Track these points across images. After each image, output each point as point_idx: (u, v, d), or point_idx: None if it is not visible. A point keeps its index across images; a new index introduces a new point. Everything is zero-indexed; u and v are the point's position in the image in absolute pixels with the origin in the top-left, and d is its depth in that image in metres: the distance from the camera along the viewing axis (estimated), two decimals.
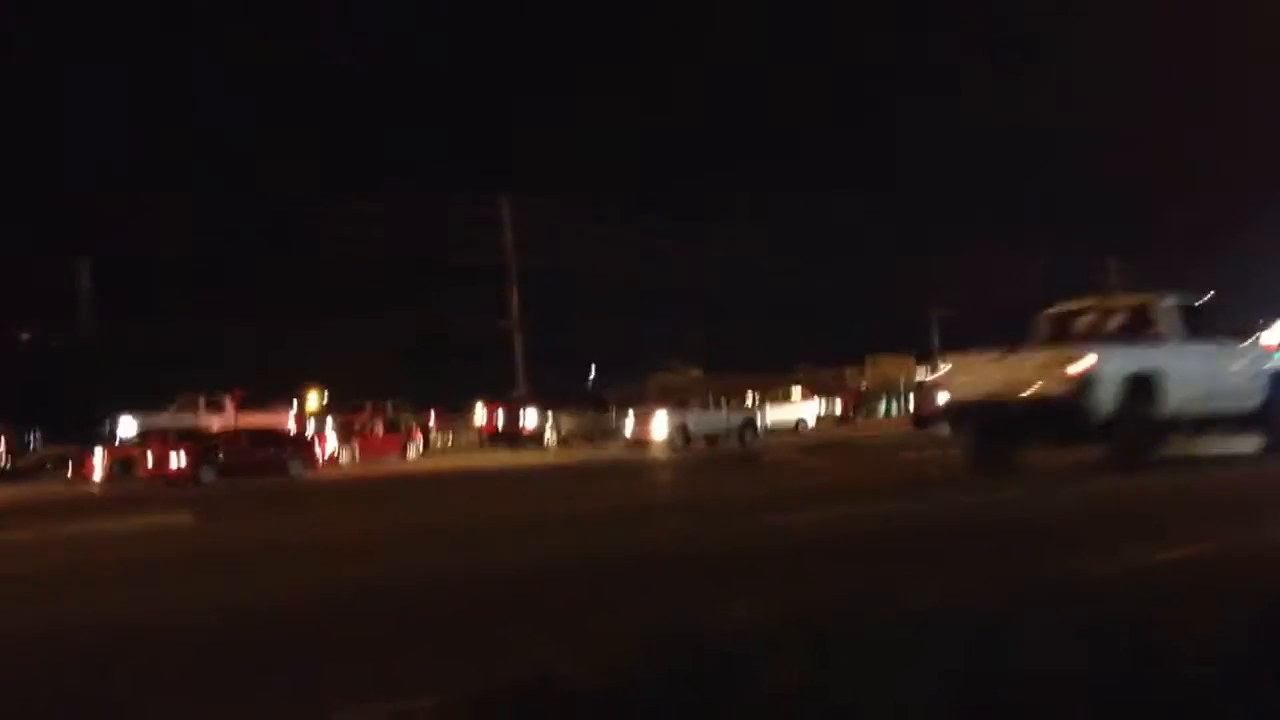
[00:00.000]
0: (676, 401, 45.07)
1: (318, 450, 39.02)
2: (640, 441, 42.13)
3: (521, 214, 55.65)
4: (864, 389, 63.70)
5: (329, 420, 48.89)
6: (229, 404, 47.52)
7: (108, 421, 44.43)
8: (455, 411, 53.69)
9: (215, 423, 45.76)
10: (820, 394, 56.31)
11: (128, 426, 44.31)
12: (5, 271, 53.69)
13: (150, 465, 37.01)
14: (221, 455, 36.02)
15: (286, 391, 53.07)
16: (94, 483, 38.74)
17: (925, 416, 19.71)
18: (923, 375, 53.27)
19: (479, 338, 56.32)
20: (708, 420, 43.77)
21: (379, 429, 48.02)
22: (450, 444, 53.32)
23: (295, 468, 36.44)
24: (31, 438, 44.48)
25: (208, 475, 34.87)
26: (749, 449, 38.67)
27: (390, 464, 43.41)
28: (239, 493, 28.72)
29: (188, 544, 15.11)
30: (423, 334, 57.84)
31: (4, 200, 52.31)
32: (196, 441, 37.73)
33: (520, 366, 54.15)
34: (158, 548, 14.53)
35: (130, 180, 54.86)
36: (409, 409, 51.12)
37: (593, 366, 57.94)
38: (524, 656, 5.39)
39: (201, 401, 47.17)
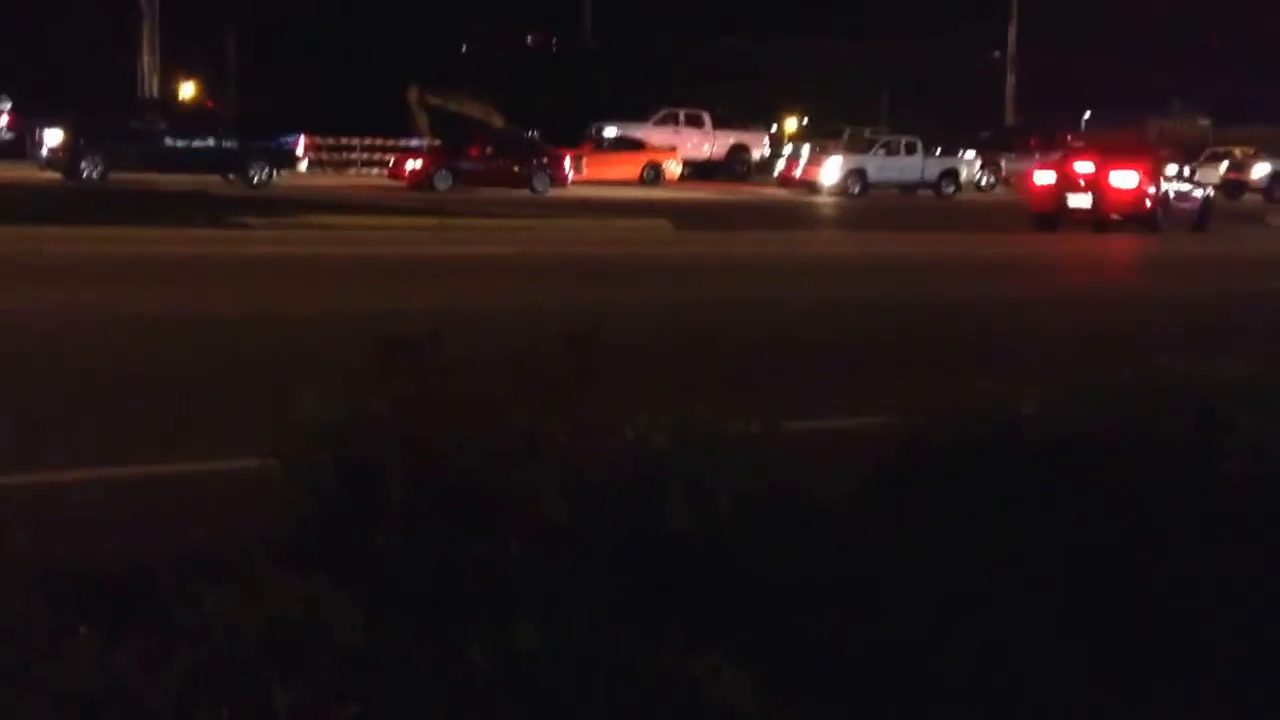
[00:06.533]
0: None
1: (566, 166, 37.59)
2: (805, 183, 40.68)
3: None
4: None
5: (805, 145, 48.99)
6: (706, 120, 48.43)
7: (592, 129, 46.17)
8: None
9: (693, 138, 47.10)
10: None
11: (610, 134, 46.05)
12: None
13: (390, 168, 37.77)
14: (462, 164, 36.10)
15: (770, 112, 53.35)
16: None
17: None
18: None
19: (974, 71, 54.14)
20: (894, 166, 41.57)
21: None
22: None
23: (540, 183, 35.81)
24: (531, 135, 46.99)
25: (443, 182, 34.71)
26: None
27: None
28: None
29: None
30: (916, 64, 56.13)
31: None
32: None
33: (1009, 102, 51.54)
34: None
35: None
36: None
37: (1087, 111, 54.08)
38: None
39: (681, 115, 48.24)
